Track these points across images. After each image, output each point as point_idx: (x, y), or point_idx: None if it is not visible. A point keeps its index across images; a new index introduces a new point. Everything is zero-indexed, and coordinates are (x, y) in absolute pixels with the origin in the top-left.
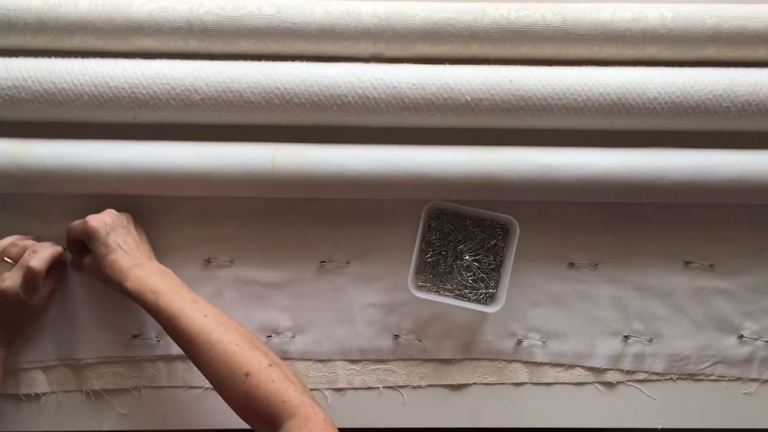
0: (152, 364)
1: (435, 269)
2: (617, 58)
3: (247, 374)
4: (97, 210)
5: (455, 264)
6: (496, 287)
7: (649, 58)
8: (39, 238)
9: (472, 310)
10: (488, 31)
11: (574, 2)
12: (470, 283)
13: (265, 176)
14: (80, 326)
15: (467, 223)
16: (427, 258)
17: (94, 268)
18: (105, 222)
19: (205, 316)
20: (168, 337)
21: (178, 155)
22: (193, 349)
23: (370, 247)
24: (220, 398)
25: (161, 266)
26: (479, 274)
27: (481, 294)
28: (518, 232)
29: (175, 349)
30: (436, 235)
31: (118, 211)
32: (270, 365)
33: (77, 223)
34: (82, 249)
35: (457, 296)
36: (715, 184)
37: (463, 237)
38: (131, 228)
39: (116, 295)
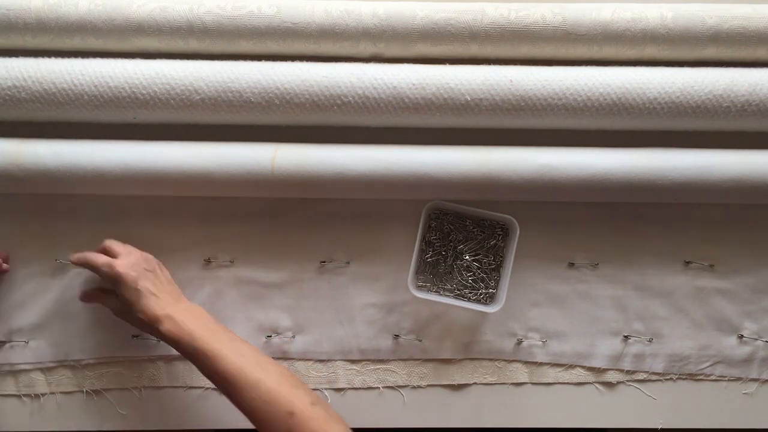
0: (152, 364)
1: (435, 269)
2: (617, 58)
3: (290, 413)
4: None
5: (455, 264)
6: (496, 287)
7: (649, 58)
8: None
9: (472, 310)
10: (488, 31)
11: (574, 2)
12: (470, 283)
13: (265, 176)
14: (80, 326)
15: (467, 223)
16: (427, 258)
17: (124, 312)
18: (133, 267)
19: (243, 355)
20: None
21: (178, 155)
22: (233, 390)
23: (370, 247)
24: (221, 398)
25: (192, 306)
26: (479, 274)
27: (481, 294)
28: (518, 232)
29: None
30: (436, 235)
31: (139, 249)
32: (313, 404)
33: (103, 264)
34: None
35: (457, 296)
36: (715, 184)
37: (463, 237)
38: (157, 270)
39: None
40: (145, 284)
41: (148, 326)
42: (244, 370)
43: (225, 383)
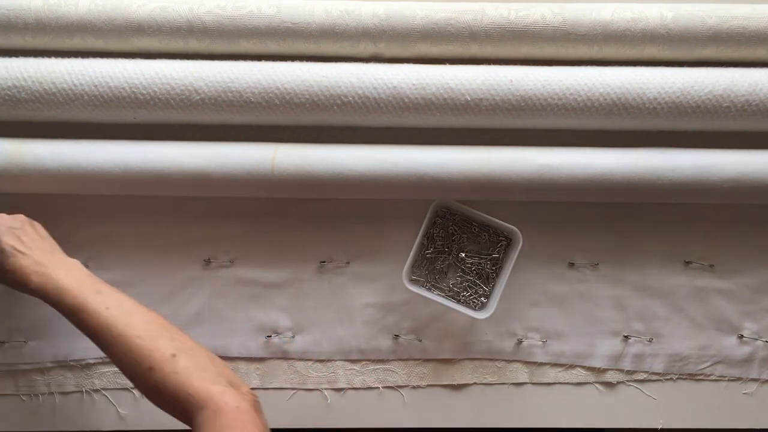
0: None
1: (432, 266)
2: (617, 58)
3: (150, 368)
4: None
5: (453, 264)
6: (489, 294)
7: (649, 58)
8: None
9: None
10: (488, 31)
11: (574, 2)
12: (464, 285)
13: (265, 176)
14: None
15: (472, 226)
16: (427, 254)
17: None
18: None
19: (107, 308)
20: None
21: (178, 155)
22: (100, 345)
23: (369, 247)
24: None
25: (66, 259)
26: (475, 278)
27: (472, 297)
28: (521, 244)
29: None
30: (439, 233)
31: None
32: (173, 356)
33: None
34: None
35: (449, 297)
36: (715, 184)
37: (466, 239)
38: (26, 226)
39: None
40: (9, 241)
41: (20, 284)
42: (107, 324)
43: (93, 339)
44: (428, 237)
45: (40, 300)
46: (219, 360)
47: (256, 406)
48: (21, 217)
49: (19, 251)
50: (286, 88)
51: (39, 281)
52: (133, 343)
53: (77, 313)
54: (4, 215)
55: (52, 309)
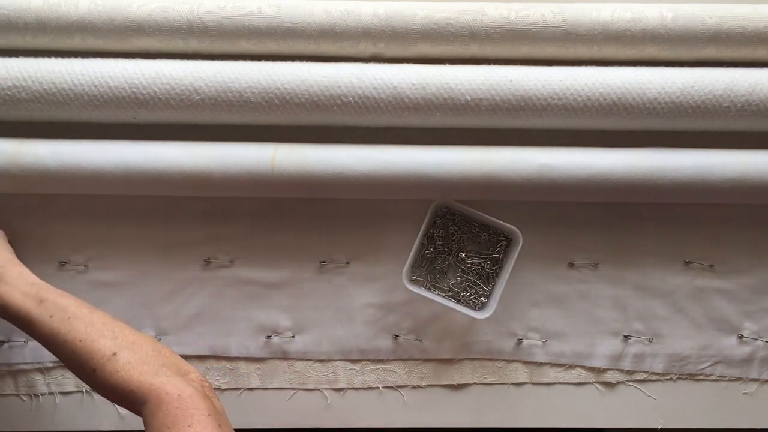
0: None
1: (432, 266)
2: (617, 58)
3: (93, 370)
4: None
5: (453, 264)
6: (489, 294)
7: (649, 58)
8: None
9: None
10: (488, 31)
11: (574, 2)
12: (464, 285)
13: (265, 176)
14: None
15: (473, 226)
16: (427, 254)
17: None
18: None
19: (51, 316)
20: (168, 337)
21: (178, 155)
22: (52, 353)
23: (370, 247)
24: (220, 397)
25: (13, 269)
26: (475, 278)
27: (472, 297)
28: (521, 244)
29: (175, 349)
30: (439, 233)
31: None
32: (114, 354)
33: None
34: None
35: (449, 297)
36: (714, 184)
37: (466, 239)
38: None
39: (117, 295)
40: None
41: None
42: (52, 333)
43: (46, 347)
44: (428, 237)
45: None
46: (166, 350)
47: (205, 391)
48: None
49: None
50: (286, 88)
51: None
52: (76, 347)
53: (25, 326)
54: None
55: None
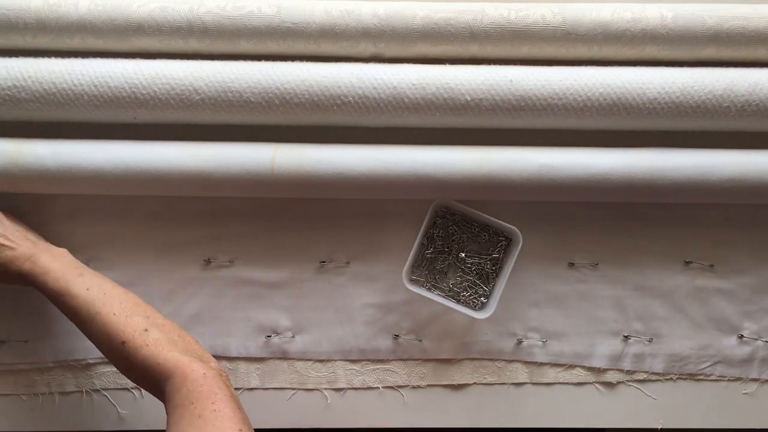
0: None
1: (432, 266)
2: (617, 58)
3: (123, 342)
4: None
5: (453, 264)
6: (489, 294)
7: (649, 58)
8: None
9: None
10: (488, 31)
11: (574, 2)
12: (464, 285)
13: (265, 176)
14: None
15: (473, 226)
16: (427, 254)
17: None
18: None
19: (87, 289)
20: None
21: (178, 155)
22: (80, 325)
23: (369, 247)
24: None
25: (51, 247)
26: (475, 278)
27: (472, 297)
28: (521, 244)
29: None
30: (439, 233)
31: None
32: (146, 330)
33: None
34: None
35: (449, 297)
36: (715, 184)
37: (466, 239)
38: (6, 223)
39: None
40: None
41: (12, 276)
42: (86, 304)
43: (74, 319)
44: (428, 237)
45: (39, 300)
46: (190, 337)
47: (224, 378)
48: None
49: (7, 246)
50: (286, 88)
51: (28, 267)
52: (109, 319)
53: (60, 295)
54: None
55: (54, 309)
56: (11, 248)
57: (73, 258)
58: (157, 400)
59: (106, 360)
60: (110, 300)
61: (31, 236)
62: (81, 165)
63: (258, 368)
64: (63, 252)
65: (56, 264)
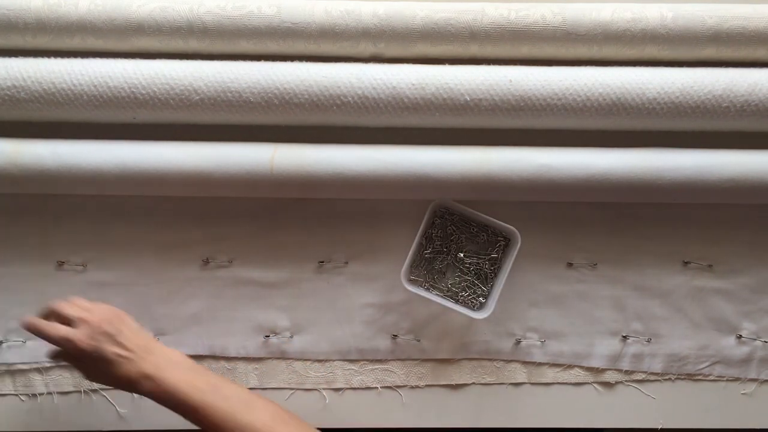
0: None
1: (431, 266)
2: (617, 58)
3: None
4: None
5: (452, 264)
6: (488, 294)
7: (649, 58)
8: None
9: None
10: (488, 31)
11: (574, 2)
12: (463, 285)
13: (264, 176)
14: None
15: (471, 226)
16: (426, 254)
17: (98, 379)
18: (93, 337)
19: (227, 399)
20: (167, 337)
21: (178, 155)
22: None
23: (368, 248)
24: None
25: (167, 352)
26: (474, 278)
27: (470, 298)
28: (519, 244)
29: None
30: (437, 233)
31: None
32: None
33: (60, 339)
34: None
35: (448, 297)
36: (714, 184)
37: (465, 239)
38: (121, 326)
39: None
40: (112, 350)
41: (128, 388)
42: (233, 416)
43: (212, 429)
44: (427, 237)
45: (38, 300)
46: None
47: None
48: (112, 313)
49: (124, 357)
50: (285, 89)
51: (151, 385)
52: (257, 426)
53: (196, 411)
54: (95, 318)
55: None
56: (128, 359)
57: (190, 362)
58: None
59: None
60: (258, 408)
61: (144, 341)
62: (80, 165)
63: (256, 368)
64: (175, 354)
65: (182, 379)
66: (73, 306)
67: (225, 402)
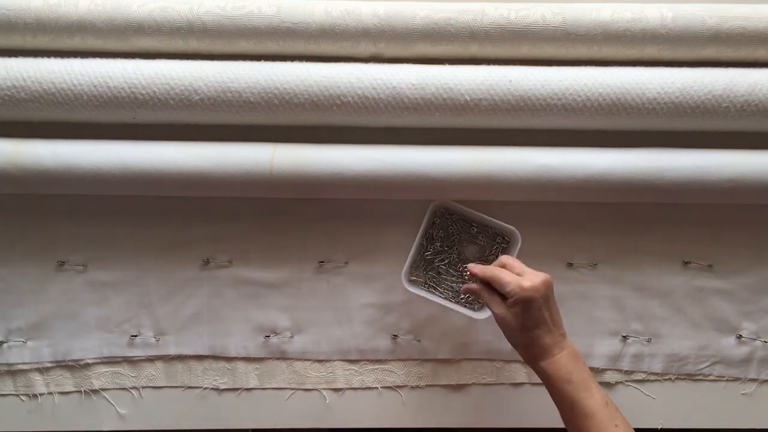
0: (151, 364)
1: (431, 266)
2: (617, 58)
3: None
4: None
5: (452, 265)
6: None
7: (649, 58)
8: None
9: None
10: (488, 31)
11: (574, 2)
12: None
13: (264, 176)
14: (78, 327)
15: (472, 227)
16: (426, 255)
17: (512, 329)
18: (539, 290)
19: (616, 425)
20: (167, 337)
21: (177, 155)
22: (580, 426)
23: (368, 248)
24: (219, 398)
25: (573, 347)
26: (474, 279)
27: (471, 298)
28: (520, 244)
29: (174, 349)
30: (438, 234)
31: None
32: None
33: (510, 282)
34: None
35: (448, 297)
36: (714, 184)
37: (465, 240)
38: (553, 297)
39: (115, 295)
40: (546, 314)
41: (530, 356)
42: (601, 417)
43: (579, 421)
44: (427, 237)
45: (38, 300)
46: None
47: None
48: (551, 282)
49: (549, 325)
50: (285, 88)
51: (552, 366)
52: None
53: (573, 403)
54: (541, 277)
55: (52, 309)
56: (550, 332)
57: (582, 360)
58: (155, 398)
59: (105, 360)
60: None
61: (561, 321)
62: (80, 165)
63: (257, 368)
64: (577, 353)
65: (577, 373)
66: (518, 261)
67: (614, 427)
